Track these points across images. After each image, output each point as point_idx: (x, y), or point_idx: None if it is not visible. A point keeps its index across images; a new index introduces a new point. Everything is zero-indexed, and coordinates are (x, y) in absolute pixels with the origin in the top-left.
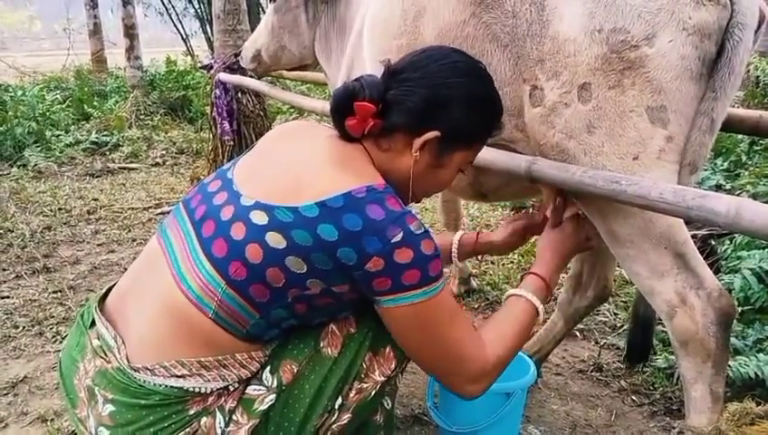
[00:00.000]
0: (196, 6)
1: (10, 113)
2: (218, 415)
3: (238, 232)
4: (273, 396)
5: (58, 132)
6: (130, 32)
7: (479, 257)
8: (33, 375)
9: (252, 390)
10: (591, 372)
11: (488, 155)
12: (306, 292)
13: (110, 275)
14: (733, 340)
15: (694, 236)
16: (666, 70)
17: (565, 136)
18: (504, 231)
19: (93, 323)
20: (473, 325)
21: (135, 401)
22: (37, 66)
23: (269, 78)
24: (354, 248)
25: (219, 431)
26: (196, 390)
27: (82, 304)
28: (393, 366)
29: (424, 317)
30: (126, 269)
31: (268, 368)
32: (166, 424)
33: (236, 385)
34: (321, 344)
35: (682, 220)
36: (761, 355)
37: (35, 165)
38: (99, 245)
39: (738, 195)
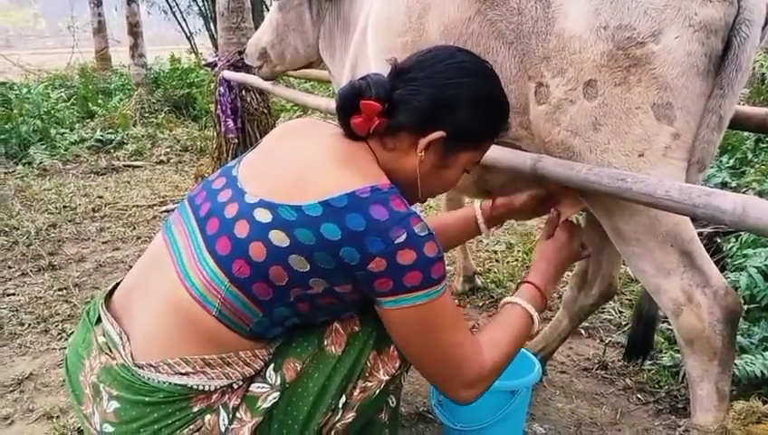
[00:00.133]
0: (200, 4)
1: (15, 111)
2: (222, 412)
3: (242, 230)
4: (276, 394)
5: (63, 130)
6: (134, 30)
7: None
8: (38, 372)
9: (255, 387)
10: (596, 369)
11: (493, 153)
12: (309, 291)
13: (115, 273)
14: (739, 338)
15: (699, 234)
16: (672, 66)
17: (570, 133)
18: (524, 195)
19: (99, 320)
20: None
21: (139, 397)
22: (42, 64)
23: None
24: (357, 248)
25: (223, 429)
26: (200, 387)
27: (88, 301)
28: (397, 365)
29: (424, 320)
30: (131, 267)
31: (272, 366)
32: (170, 421)
33: (240, 383)
34: (326, 343)
35: (688, 218)
36: (767, 353)
37: (40, 163)
38: (104, 242)
39: (744, 192)
